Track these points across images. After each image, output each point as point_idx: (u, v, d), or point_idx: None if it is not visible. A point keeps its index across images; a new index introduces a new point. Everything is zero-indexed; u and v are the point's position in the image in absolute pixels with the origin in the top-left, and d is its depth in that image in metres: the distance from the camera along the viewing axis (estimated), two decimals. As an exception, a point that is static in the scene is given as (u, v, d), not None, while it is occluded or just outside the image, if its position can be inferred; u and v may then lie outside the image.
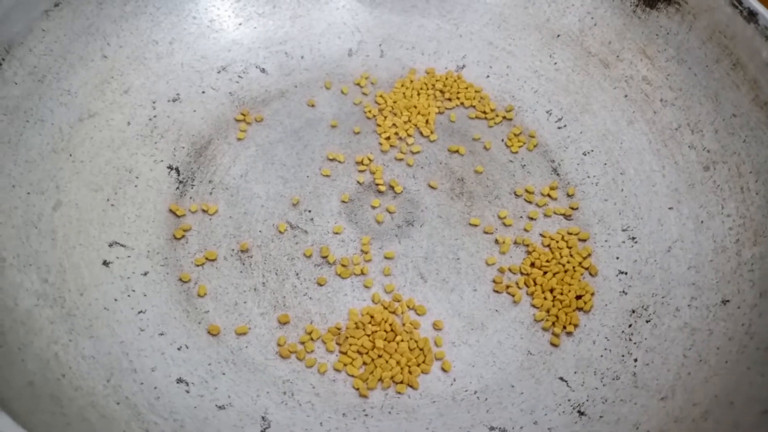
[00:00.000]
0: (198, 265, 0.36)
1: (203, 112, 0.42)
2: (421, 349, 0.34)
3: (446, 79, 0.44)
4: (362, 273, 0.37)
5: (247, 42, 0.44)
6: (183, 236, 0.37)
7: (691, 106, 0.39)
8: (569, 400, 0.33)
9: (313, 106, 0.43)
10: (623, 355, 0.34)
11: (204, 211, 0.38)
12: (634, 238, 0.38)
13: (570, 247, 0.38)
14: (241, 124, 0.41)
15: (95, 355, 0.32)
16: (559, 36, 0.44)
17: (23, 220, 0.34)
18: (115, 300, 0.34)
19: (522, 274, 0.37)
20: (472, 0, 0.46)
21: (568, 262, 0.37)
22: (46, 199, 0.35)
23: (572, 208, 0.39)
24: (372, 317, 0.35)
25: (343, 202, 0.39)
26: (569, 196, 0.40)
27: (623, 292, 0.36)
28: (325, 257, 0.37)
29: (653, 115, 0.41)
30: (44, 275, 0.33)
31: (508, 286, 0.37)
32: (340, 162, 0.41)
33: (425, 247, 0.38)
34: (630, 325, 0.35)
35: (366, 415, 0.33)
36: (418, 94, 0.44)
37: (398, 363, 0.34)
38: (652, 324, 0.35)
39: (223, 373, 0.33)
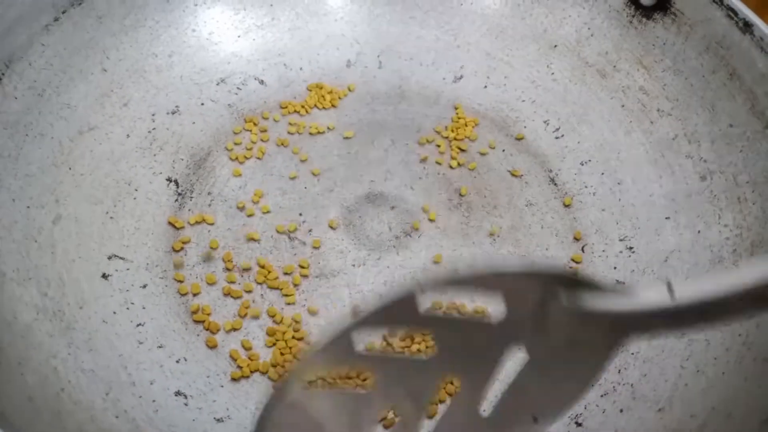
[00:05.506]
0: (204, 278, 0.36)
1: (202, 124, 0.42)
2: None
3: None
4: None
5: (246, 54, 0.44)
6: (182, 248, 0.37)
7: (687, 117, 0.39)
8: (567, 412, 0.33)
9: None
10: (620, 366, 0.34)
11: (203, 221, 0.38)
12: (631, 248, 0.38)
13: None
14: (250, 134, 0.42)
15: (94, 369, 0.32)
16: (556, 46, 0.44)
17: (23, 234, 0.34)
18: (114, 313, 0.34)
19: None
20: (469, 11, 0.46)
21: None
22: (46, 213, 0.35)
23: (566, 204, 0.40)
24: None
25: (342, 210, 0.39)
26: (566, 206, 0.40)
27: (621, 302, 0.36)
28: (322, 269, 0.37)
29: (650, 125, 0.41)
30: (44, 289, 0.33)
31: None
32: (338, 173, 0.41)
33: (423, 258, 0.38)
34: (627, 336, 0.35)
35: (364, 427, 0.33)
36: None
37: None
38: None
39: (222, 386, 0.33)
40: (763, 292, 0.19)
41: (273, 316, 0.35)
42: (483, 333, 0.21)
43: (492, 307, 0.21)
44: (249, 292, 0.36)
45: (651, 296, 0.20)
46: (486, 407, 0.23)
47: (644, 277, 0.37)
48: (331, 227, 0.39)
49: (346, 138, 0.42)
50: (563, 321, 0.21)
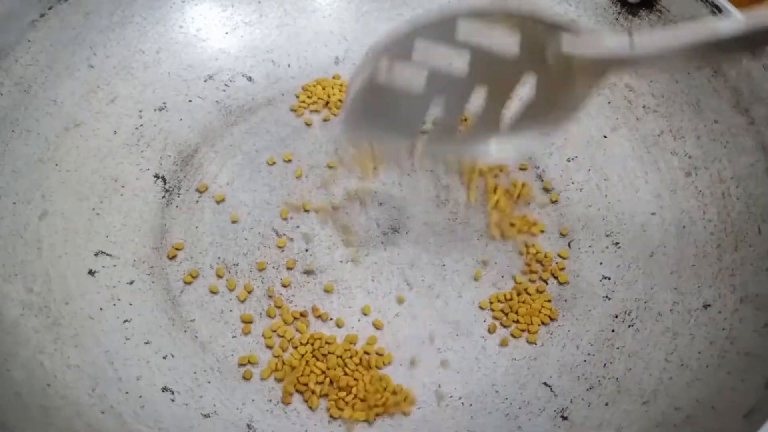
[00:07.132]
0: (187, 283, 0.36)
1: (190, 120, 0.42)
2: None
3: None
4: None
5: (234, 51, 0.44)
6: (175, 255, 0.37)
7: (673, 113, 0.40)
8: (553, 405, 0.33)
9: (300, 114, 0.43)
10: (606, 360, 0.34)
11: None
12: (617, 244, 0.38)
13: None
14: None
15: (80, 364, 0.32)
16: (543, 43, 0.45)
17: (9, 230, 0.34)
18: (101, 309, 0.34)
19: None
20: (457, 8, 0.46)
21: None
22: (33, 209, 0.35)
23: (552, 201, 0.40)
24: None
25: (331, 209, 0.39)
26: (553, 202, 0.40)
27: (606, 297, 0.37)
28: (310, 266, 0.37)
29: (636, 122, 0.41)
30: (30, 285, 0.33)
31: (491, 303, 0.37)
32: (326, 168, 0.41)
33: (411, 254, 0.38)
34: (613, 330, 0.35)
35: (351, 421, 0.33)
36: None
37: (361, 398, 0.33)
38: (634, 329, 0.35)
39: (209, 382, 0.33)
40: (713, 46, 0.25)
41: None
42: (502, 61, 0.29)
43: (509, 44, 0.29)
44: (232, 290, 0.36)
45: (614, 42, 0.27)
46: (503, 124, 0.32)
47: (629, 272, 0.37)
48: (319, 223, 0.39)
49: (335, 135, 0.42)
50: (559, 57, 0.28)
